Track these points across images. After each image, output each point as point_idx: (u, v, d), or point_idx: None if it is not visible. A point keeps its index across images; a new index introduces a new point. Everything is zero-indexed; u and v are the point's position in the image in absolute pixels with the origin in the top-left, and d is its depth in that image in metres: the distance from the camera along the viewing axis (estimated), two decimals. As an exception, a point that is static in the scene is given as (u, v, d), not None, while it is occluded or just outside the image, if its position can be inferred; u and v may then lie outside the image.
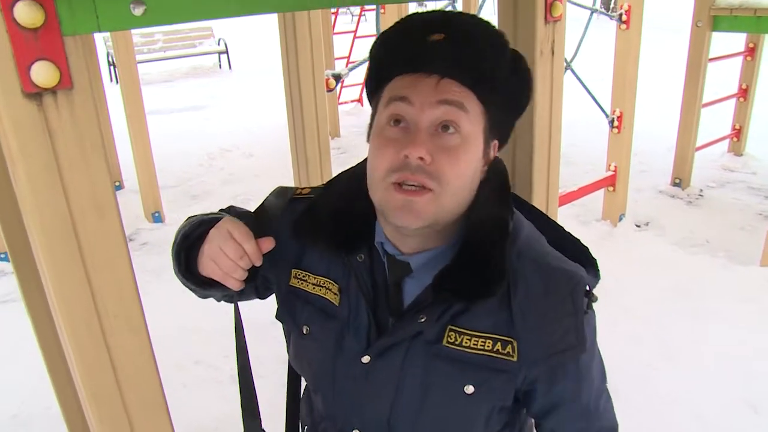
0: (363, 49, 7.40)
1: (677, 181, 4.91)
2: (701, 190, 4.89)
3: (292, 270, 1.04)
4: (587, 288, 0.94)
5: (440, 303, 0.90)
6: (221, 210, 1.16)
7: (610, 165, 4.23)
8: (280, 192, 1.12)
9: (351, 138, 6.46)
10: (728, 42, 4.91)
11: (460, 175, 0.86)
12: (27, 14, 0.71)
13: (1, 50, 0.71)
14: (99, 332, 0.86)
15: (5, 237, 1.78)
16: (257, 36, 14.00)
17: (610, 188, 4.24)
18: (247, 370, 1.11)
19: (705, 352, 2.90)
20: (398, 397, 0.94)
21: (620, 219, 4.29)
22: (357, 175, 0.99)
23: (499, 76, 0.88)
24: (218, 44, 11.89)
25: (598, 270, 1.00)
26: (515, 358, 0.89)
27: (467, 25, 0.87)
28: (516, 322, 0.89)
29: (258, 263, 0.93)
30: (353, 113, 7.50)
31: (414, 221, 0.85)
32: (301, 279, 1.04)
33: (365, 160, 0.96)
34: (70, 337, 0.85)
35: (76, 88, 0.77)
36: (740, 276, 3.54)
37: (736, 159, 5.41)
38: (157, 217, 4.58)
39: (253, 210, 1.12)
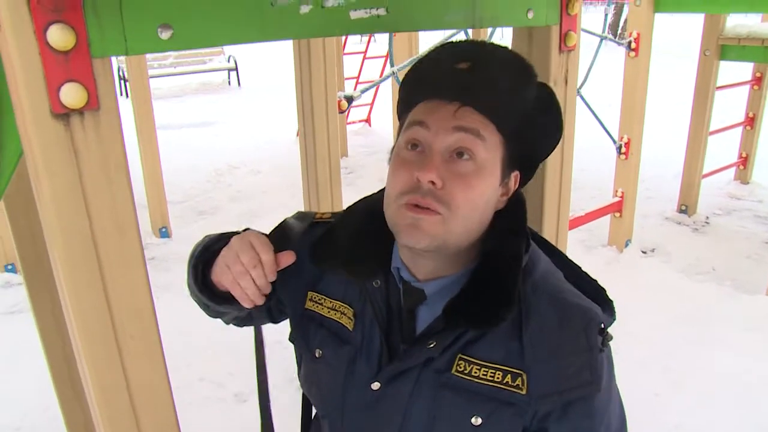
0: (372, 70, 7.43)
1: (683, 207, 4.91)
2: (707, 218, 4.89)
3: (309, 293, 1.05)
4: (602, 326, 0.92)
5: (451, 330, 0.89)
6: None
7: (617, 191, 4.24)
8: (302, 215, 1.13)
9: (359, 158, 6.49)
10: (736, 71, 4.94)
11: (471, 201, 0.86)
12: (59, 37, 0.72)
13: (33, 72, 0.72)
14: (116, 352, 0.86)
15: (18, 250, 1.80)
16: (266, 54, 14.13)
17: (617, 214, 4.24)
18: (266, 397, 1.16)
19: (711, 379, 2.88)
20: (405, 426, 0.93)
21: (626, 245, 4.29)
22: (375, 201, 1.00)
23: (519, 108, 0.89)
24: (228, 61, 12.00)
25: (614, 310, 0.98)
26: (524, 392, 0.87)
27: (493, 55, 0.89)
28: (527, 354, 0.88)
29: (272, 276, 0.92)
30: (361, 133, 7.54)
31: (421, 240, 0.86)
32: (316, 302, 1.04)
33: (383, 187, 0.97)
34: (87, 357, 0.85)
35: (102, 109, 0.78)
36: (746, 304, 3.53)
37: (743, 187, 5.42)
38: (164, 233, 4.60)
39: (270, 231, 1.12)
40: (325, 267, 1.01)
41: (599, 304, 0.95)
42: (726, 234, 4.62)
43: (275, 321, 1.15)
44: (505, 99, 0.88)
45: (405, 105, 0.94)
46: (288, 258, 0.94)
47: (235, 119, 8.97)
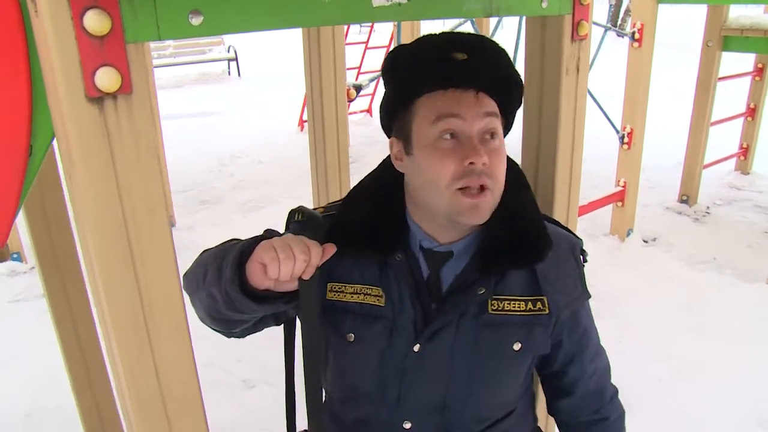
0: (374, 60, 7.45)
1: (685, 197, 4.94)
2: (708, 208, 4.91)
3: (327, 284, 1.10)
4: (581, 247, 1.18)
5: (489, 276, 1.05)
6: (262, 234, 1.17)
7: (619, 180, 4.26)
8: (304, 208, 1.15)
9: (360, 147, 6.50)
10: (737, 62, 4.95)
11: (503, 171, 1.02)
12: (96, 22, 0.74)
13: (70, 56, 0.74)
14: (145, 333, 0.88)
15: (32, 237, 1.81)
16: (266, 44, 14.10)
17: (619, 203, 4.27)
18: (292, 390, 1.19)
19: (712, 367, 2.91)
20: (452, 372, 1.07)
21: (628, 234, 4.32)
22: (377, 183, 1.12)
23: (515, 86, 1.04)
24: (228, 51, 11.97)
25: (576, 235, 1.23)
26: (547, 311, 1.08)
27: (485, 45, 1.01)
28: (541, 281, 1.08)
29: (317, 264, 0.93)
30: (362, 123, 7.55)
31: (480, 218, 0.99)
32: (337, 291, 1.10)
33: (378, 171, 1.13)
34: (118, 337, 0.87)
35: (135, 93, 0.80)
36: (747, 293, 3.56)
37: (743, 177, 5.44)
38: (167, 222, 4.61)
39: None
40: (347, 253, 1.03)
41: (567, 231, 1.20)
42: (727, 224, 4.65)
43: (279, 323, 1.15)
44: (509, 81, 1.03)
45: (406, 98, 1.01)
46: (331, 249, 0.96)
47: (235, 109, 8.97)
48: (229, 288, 0.94)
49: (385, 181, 1.11)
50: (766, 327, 3.22)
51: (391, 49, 1.07)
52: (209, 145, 6.86)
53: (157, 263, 0.87)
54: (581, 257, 1.17)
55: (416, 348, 1.06)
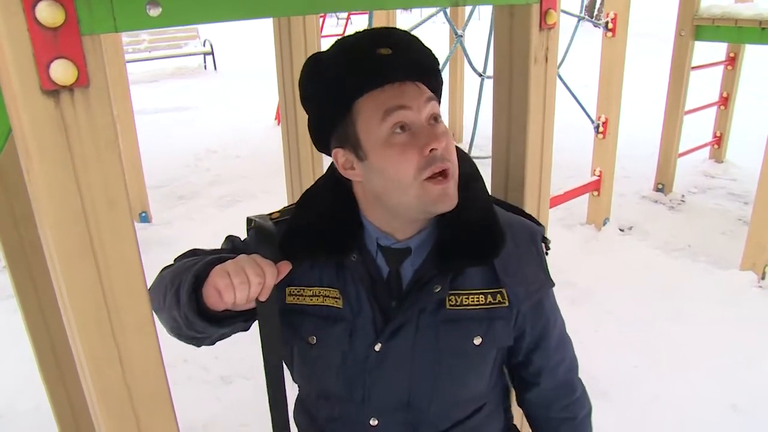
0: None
1: (660, 186, 4.99)
2: (683, 196, 4.97)
3: (286, 288, 1.10)
4: (543, 235, 1.17)
5: (444, 273, 1.04)
6: (221, 246, 1.19)
7: (594, 170, 4.29)
8: (260, 217, 1.15)
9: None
10: (710, 51, 5.00)
11: (455, 150, 1.02)
12: (48, 14, 0.72)
13: (22, 49, 0.73)
14: (108, 327, 0.87)
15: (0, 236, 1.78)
16: (243, 38, 13.98)
17: (595, 193, 4.30)
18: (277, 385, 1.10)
19: (687, 353, 2.96)
20: (414, 370, 1.07)
21: (604, 223, 4.36)
22: (328, 185, 1.10)
23: (438, 68, 1.05)
24: (204, 45, 11.86)
25: (539, 221, 1.23)
26: (506, 303, 1.08)
27: (401, 36, 1.00)
28: (499, 274, 1.07)
29: (268, 292, 0.94)
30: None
31: (452, 203, 0.99)
32: (296, 295, 1.10)
33: (329, 172, 1.11)
34: (81, 332, 0.86)
35: (92, 86, 0.79)
36: (721, 280, 3.62)
37: (717, 165, 5.51)
38: (144, 217, 4.57)
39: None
40: (298, 258, 1.03)
41: (528, 219, 1.20)
42: (701, 211, 4.70)
43: (247, 328, 1.14)
44: (434, 65, 1.03)
45: (340, 104, 0.99)
46: (286, 267, 0.96)
47: (211, 104, 8.88)
48: (187, 313, 0.96)
49: (336, 183, 1.09)
50: (739, 313, 3.27)
51: (305, 62, 1.05)
52: (185, 139, 6.80)
53: (120, 257, 0.86)
54: (543, 245, 1.16)
55: (377, 347, 1.06)
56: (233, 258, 0.95)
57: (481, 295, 1.07)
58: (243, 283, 0.89)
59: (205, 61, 12.21)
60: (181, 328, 1.00)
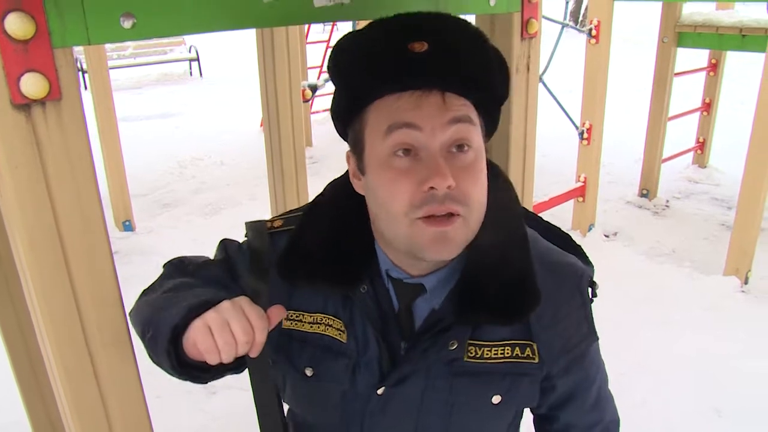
0: (336, 59, 7.46)
1: (644, 192, 5.02)
2: (667, 201, 5.00)
3: None
4: (591, 278, 0.96)
5: (464, 323, 0.88)
6: (206, 263, 1.01)
7: (579, 176, 4.31)
8: (255, 228, 1.00)
9: (324, 147, 6.46)
10: (692, 57, 5.05)
11: (482, 192, 0.81)
12: (18, 26, 0.71)
13: (-9, 62, 0.72)
14: (83, 343, 0.86)
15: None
16: (229, 44, 13.94)
17: (580, 199, 4.31)
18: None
19: (672, 358, 2.97)
20: (420, 421, 0.92)
21: (589, 229, 4.37)
22: (339, 197, 0.94)
23: (492, 80, 0.82)
24: (189, 51, 11.81)
25: (586, 255, 1.01)
26: (536, 360, 0.90)
27: (451, 29, 0.79)
28: (532, 324, 0.89)
29: (259, 349, 0.77)
30: (325, 123, 7.51)
31: (449, 252, 0.80)
32: (294, 320, 0.94)
33: (343, 180, 0.94)
34: (54, 348, 0.85)
35: (64, 100, 0.78)
36: (705, 285, 3.64)
37: (701, 171, 5.55)
38: (127, 226, 4.53)
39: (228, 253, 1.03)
40: (301, 283, 0.92)
41: (574, 254, 0.97)
42: (685, 217, 4.73)
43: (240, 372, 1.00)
44: (482, 74, 0.80)
45: (354, 104, 0.83)
46: (279, 315, 0.79)
47: (197, 110, 8.84)
48: (166, 368, 0.82)
49: (348, 195, 0.91)
50: (722, 317, 3.30)
51: (340, 39, 0.84)
52: (170, 147, 6.75)
53: (95, 273, 0.85)
54: (589, 291, 0.96)
55: (380, 391, 0.91)
56: (216, 298, 0.79)
57: (507, 347, 0.89)
58: (228, 344, 0.73)
59: (190, 68, 12.16)
60: (165, 369, 0.86)
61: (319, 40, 7.32)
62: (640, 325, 3.24)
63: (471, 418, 0.93)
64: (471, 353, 0.89)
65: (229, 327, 0.74)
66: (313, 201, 0.98)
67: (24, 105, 0.75)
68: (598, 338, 0.97)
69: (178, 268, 1.00)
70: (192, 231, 4.56)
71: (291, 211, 1.03)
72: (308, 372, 0.94)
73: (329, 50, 0.91)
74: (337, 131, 0.91)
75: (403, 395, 0.91)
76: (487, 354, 0.89)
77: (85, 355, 0.87)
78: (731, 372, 2.85)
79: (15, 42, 0.72)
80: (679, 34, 4.48)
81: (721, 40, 4.25)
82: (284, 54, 2.39)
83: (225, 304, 0.76)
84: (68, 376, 0.86)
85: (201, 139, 7.05)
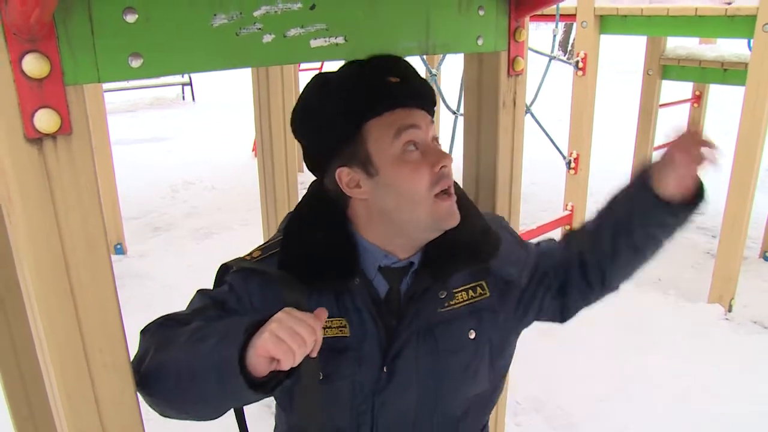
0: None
1: (631, 220, 5.09)
2: (653, 229, 5.06)
3: None
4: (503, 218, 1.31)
5: (441, 279, 1.09)
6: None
7: (567, 204, 4.38)
8: (238, 260, 1.11)
9: (314, 173, 6.51)
10: (678, 89, 5.16)
11: None
12: (34, 66, 0.76)
13: (8, 98, 0.76)
14: (85, 367, 0.89)
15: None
16: (221, 68, 14.01)
17: (567, 227, 4.37)
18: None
19: (656, 385, 3.00)
20: (420, 380, 1.09)
21: (577, 257, 4.42)
22: (314, 212, 1.10)
23: (434, 97, 1.10)
24: (182, 76, 11.90)
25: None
26: (488, 294, 1.14)
27: (408, 67, 1.07)
28: (491, 263, 1.13)
29: (319, 346, 0.87)
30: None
31: (457, 219, 1.05)
32: None
33: (310, 201, 1.12)
34: (57, 372, 0.87)
35: (74, 134, 0.82)
36: (689, 313, 3.69)
37: (686, 199, 5.63)
38: (119, 249, 4.54)
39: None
40: (304, 288, 1.02)
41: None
42: (670, 244, 4.79)
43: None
44: (431, 94, 1.09)
45: (352, 123, 1.02)
46: (324, 313, 0.91)
47: (189, 135, 8.89)
48: (241, 394, 0.86)
49: (324, 208, 1.09)
50: (706, 345, 3.34)
51: (311, 82, 1.08)
52: (162, 171, 6.79)
53: (98, 299, 0.88)
54: (509, 226, 1.27)
55: (385, 368, 1.07)
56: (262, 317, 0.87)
57: (463, 292, 1.12)
58: (301, 345, 0.83)
59: (183, 92, 12.24)
60: (210, 408, 0.93)
61: (312, 68, 7.41)
62: (624, 352, 3.28)
63: (457, 359, 1.11)
64: (445, 304, 1.10)
65: (295, 331, 0.83)
66: (288, 224, 1.12)
67: (37, 139, 0.79)
68: (527, 243, 1.25)
69: (167, 324, 1.02)
70: (183, 255, 4.58)
71: (264, 244, 1.14)
72: (320, 376, 1.02)
73: (302, 94, 1.08)
74: (315, 164, 1.09)
75: (403, 364, 1.07)
76: (454, 301, 1.11)
77: (87, 379, 0.89)
78: (714, 399, 2.88)
79: (30, 80, 0.77)
80: (663, 66, 4.60)
81: (703, 73, 4.36)
82: (278, 81, 2.45)
83: (280, 315, 0.86)
84: (70, 401, 0.89)
85: (193, 164, 7.09)
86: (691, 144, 1.05)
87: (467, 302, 1.12)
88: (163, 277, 4.18)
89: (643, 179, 1.15)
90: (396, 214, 1.03)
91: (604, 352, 3.30)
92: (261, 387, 0.86)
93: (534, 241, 1.30)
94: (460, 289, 1.12)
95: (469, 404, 1.17)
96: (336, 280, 1.05)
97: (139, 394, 0.95)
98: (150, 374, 0.94)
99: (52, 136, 0.80)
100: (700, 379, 3.04)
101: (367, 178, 1.02)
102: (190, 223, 5.29)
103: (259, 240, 2.99)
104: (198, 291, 1.09)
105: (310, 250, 1.05)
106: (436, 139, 1.06)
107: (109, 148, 4.36)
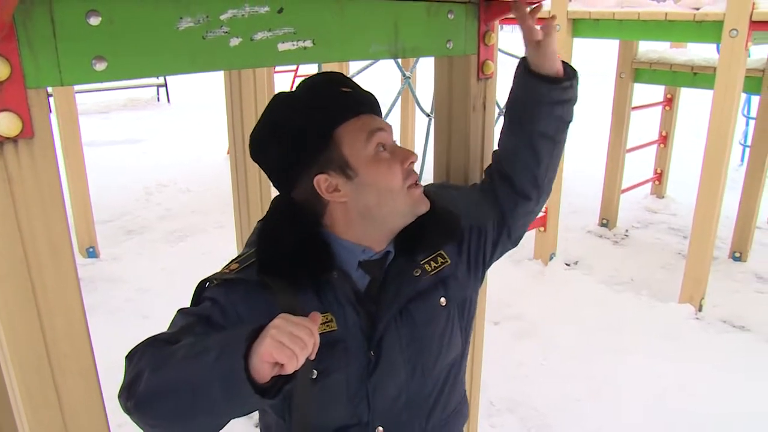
0: (304, 88, 7.49)
1: (604, 221, 5.15)
2: (627, 231, 5.14)
3: None
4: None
5: (411, 258, 1.18)
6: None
7: (541, 206, 4.41)
8: (218, 275, 1.12)
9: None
10: (649, 92, 5.24)
11: None
12: (-7, 69, 0.75)
13: (-33, 102, 0.75)
14: (49, 373, 0.88)
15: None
16: (197, 70, 13.90)
17: (541, 228, 4.41)
18: None
19: (629, 385, 3.04)
20: (409, 356, 1.15)
21: (551, 258, 4.47)
22: (284, 218, 1.12)
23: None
24: (157, 77, 11.78)
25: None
26: (449, 262, 1.22)
27: (352, 80, 1.14)
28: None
29: (315, 350, 0.89)
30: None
31: (428, 204, 1.14)
32: None
33: (277, 210, 1.14)
34: (19, 378, 0.86)
35: (36, 137, 0.81)
36: (661, 313, 3.75)
37: (658, 201, 5.72)
38: (91, 253, 4.49)
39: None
40: (285, 288, 1.04)
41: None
42: (643, 246, 4.87)
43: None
44: (378, 102, 1.16)
45: (324, 131, 1.08)
46: (319, 317, 0.92)
47: (164, 136, 8.80)
48: (247, 402, 0.86)
49: (293, 215, 1.12)
50: (677, 345, 3.39)
51: (272, 102, 1.13)
52: (135, 173, 6.71)
53: (62, 305, 0.87)
54: (449, 185, 1.40)
55: (372, 352, 1.12)
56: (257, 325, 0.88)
57: (426, 264, 1.19)
58: (302, 349, 0.85)
59: (158, 93, 12.12)
60: (208, 423, 0.92)
61: (287, 70, 7.40)
62: (599, 352, 3.32)
63: (433, 330, 1.18)
64: (415, 273, 1.17)
65: (295, 335, 0.85)
66: (259, 234, 1.14)
67: (-3, 143, 0.78)
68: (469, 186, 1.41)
69: (160, 343, 0.99)
70: (157, 258, 4.54)
71: (239, 256, 1.16)
72: (313, 374, 1.07)
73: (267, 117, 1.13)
74: (286, 179, 1.13)
75: (387, 345, 1.13)
76: (423, 271, 1.18)
77: (50, 385, 0.89)
78: (688, 398, 2.93)
79: (-10, 83, 0.76)
80: (635, 70, 4.66)
81: (674, 77, 4.43)
82: (250, 83, 2.44)
83: (278, 321, 0.87)
84: (33, 405, 0.88)
85: (167, 166, 7.02)
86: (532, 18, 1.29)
87: (433, 273, 1.20)
88: (137, 281, 4.13)
89: (522, 67, 1.30)
90: (377, 209, 1.10)
91: (577, 352, 3.34)
92: (266, 392, 0.87)
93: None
94: (423, 262, 1.19)
95: (449, 371, 1.24)
96: (314, 275, 1.08)
97: (137, 421, 0.92)
98: (147, 397, 0.91)
99: (13, 140, 0.79)
100: (673, 378, 3.08)
101: (346, 181, 1.08)
102: (164, 226, 5.24)
103: (232, 242, 2.97)
104: (179, 311, 1.07)
105: (285, 250, 1.08)
106: (393, 138, 1.16)
107: (80, 150, 4.31)
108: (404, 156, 1.11)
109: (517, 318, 3.66)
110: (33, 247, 0.83)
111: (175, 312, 1.06)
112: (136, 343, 0.98)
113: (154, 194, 6.08)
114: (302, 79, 1.15)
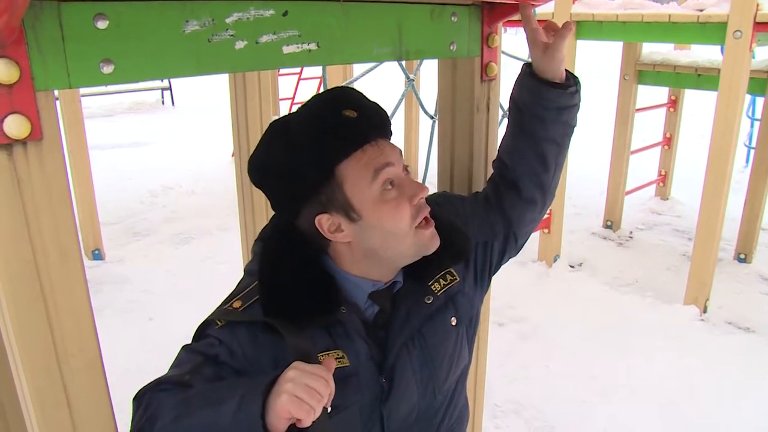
0: (308, 91, 7.50)
1: (609, 223, 5.15)
2: (631, 232, 5.14)
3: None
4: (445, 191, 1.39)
5: (422, 283, 1.14)
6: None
7: (545, 208, 4.41)
8: (224, 312, 1.07)
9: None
10: (654, 94, 5.24)
11: None
12: (4, 71, 0.76)
13: (-23, 105, 0.76)
14: (57, 373, 0.89)
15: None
16: (201, 73, 13.94)
17: (546, 230, 4.42)
18: None
19: (634, 387, 3.05)
20: (421, 379, 1.13)
21: (555, 260, 4.47)
22: (286, 255, 1.07)
23: (390, 122, 1.10)
24: (162, 80, 11.82)
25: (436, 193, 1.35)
26: (457, 279, 1.19)
27: (358, 96, 1.06)
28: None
29: (331, 398, 0.88)
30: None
31: (438, 242, 1.08)
32: None
33: (278, 246, 1.08)
34: (29, 378, 0.87)
35: (45, 139, 0.82)
36: (666, 314, 3.75)
37: (663, 203, 5.72)
38: (97, 255, 4.51)
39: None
40: (292, 328, 1.00)
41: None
42: (648, 247, 4.87)
43: None
44: (388, 119, 1.08)
45: (325, 167, 1.00)
46: (333, 362, 0.92)
47: (169, 139, 8.83)
48: None
49: (293, 246, 1.07)
50: (682, 346, 3.39)
51: (269, 131, 1.06)
52: (141, 175, 6.75)
53: (71, 305, 0.88)
54: (452, 196, 1.33)
55: (384, 379, 1.09)
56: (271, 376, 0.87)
57: (436, 283, 1.16)
58: (318, 401, 0.84)
59: (162, 96, 12.16)
60: None
61: (291, 72, 7.42)
62: (603, 354, 3.33)
63: (445, 350, 1.15)
64: (428, 302, 1.15)
65: (311, 387, 0.83)
66: (260, 270, 1.07)
67: (6, 145, 0.79)
68: (468, 196, 1.37)
69: (169, 385, 0.98)
70: (162, 260, 4.55)
71: (241, 294, 1.08)
72: (329, 409, 0.99)
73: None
74: (287, 213, 1.07)
75: (400, 371, 1.10)
76: (432, 292, 1.15)
77: (59, 384, 0.89)
78: (689, 399, 2.93)
79: (0, 86, 0.77)
80: (639, 72, 4.66)
81: (678, 78, 4.43)
82: (255, 86, 2.44)
83: (293, 374, 0.85)
84: (41, 404, 0.89)
85: (172, 168, 7.05)
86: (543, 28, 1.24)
87: (442, 291, 1.16)
88: (142, 283, 4.15)
89: (528, 73, 1.26)
90: (382, 251, 1.05)
91: (582, 354, 3.34)
92: None
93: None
94: (432, 281, 1.16)
95: (457, 381, 1.24)
96: (323, 315, 1.04)
97: None
98: None
99: (22, 142, 0.80)
100: (678, 379, 3.08)
101: (350, 222, 1.02)
102: (169, 228, 5.26)
103: (237, 244, 2.98)
104: (183, 347, 1.05)
105: (290, 294, 1.03)
106: (406, 168, 1.07)
107: (86, 152, 4.33)
108: (412, 192, 1.03)
109: (522, 320, 3.67)
110: (42, 248, 0.84)
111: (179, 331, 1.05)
112: (142, 385, 0.99)
113: (159, 197, 6.11)
114: (308, 98, 1.07)
